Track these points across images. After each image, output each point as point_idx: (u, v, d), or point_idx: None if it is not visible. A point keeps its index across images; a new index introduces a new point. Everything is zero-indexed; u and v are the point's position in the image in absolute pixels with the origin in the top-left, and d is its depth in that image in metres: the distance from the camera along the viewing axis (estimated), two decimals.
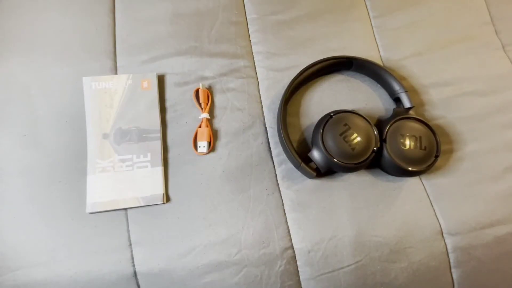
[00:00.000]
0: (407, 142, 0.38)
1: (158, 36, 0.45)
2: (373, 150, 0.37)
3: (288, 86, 0.41)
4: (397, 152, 0.37)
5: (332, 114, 0.38)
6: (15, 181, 0.39)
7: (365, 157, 0.37)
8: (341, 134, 0.37)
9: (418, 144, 0.38)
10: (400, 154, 0.37)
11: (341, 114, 0.38)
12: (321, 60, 0.42)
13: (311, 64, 0.42)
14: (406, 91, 0.41)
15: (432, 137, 0.39)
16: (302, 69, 0.42)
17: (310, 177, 0.38)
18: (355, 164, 0.37)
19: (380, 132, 0.38)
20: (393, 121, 0.39)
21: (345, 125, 0.37)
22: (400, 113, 0.40)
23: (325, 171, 0.38)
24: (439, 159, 0.38)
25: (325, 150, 0.36)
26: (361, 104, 0.44)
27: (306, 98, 0.44)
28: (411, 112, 0.40)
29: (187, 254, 0.37)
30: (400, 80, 0.42)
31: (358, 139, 0.37)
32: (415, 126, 0.39)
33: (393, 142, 0.38)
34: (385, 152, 0.38)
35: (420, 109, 0.44)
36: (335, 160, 0.36)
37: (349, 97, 0.44)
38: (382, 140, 0.38)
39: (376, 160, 0.39)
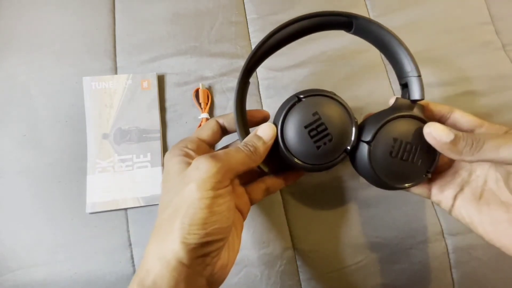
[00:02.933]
0: (398, 149, 0.28)
1: (158, 36, 0.45)
2: (345, 150, 0.29)
3: (252, 52, 0.30)
4: (380, 159, 0.28)
5: (301, 96, 0.29)
6: (14, 181, 0.39)
7: (331, 158, 0.28)
8: (306, 126, 0.28)
9: (411, 155, 0.28)
10: (383, 162, 0.28)
11: (313, 98, 0.29)
12: (304, 16, 0.30)
13: (289, 21, 0.30)
14: (418, 76, 0.29)
15: (433, 150, 0.28)
16: (276, 28, 0.30)
17: (264, 173, 0.31)
18: (314, 165, 0.28)
19: (366, 129, 0.29)
20: (387, 118, 0.28)
21: (315, 114, 0.28)
22: (401, 107, 0.29)
23: (285, 167, 0.31)
24: (429, 176, 0.29)
25: (283, 143, 0.28)
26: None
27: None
28: (416, 109, 0.29)
29: None
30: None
31: (327, 135, 0.28)
32: (416, 130, 0.28)
33: (380, 146, 0.28)
34: (364, 155, 0.28)
35: None
36: (292, 157, 0.28)
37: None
38: (361, 139, 0.29)
39: (353, 162, 0.30)
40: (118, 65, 0.44)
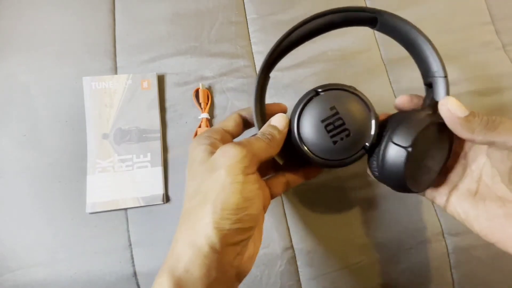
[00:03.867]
0: (431, 157, 0.27)
1: (158, 36, 0.45)
2: (363, 147, 0.27)
3: (274, 46, 0.30)
4: (413, 166, 0.26)
5: (319, 90, 0.28)
6: (14, 181, 0.39)
7: (348, 154, 0.27)
8: (323, 120, 0.27)
9: (435, 162, 0.27)
10: (415, 169, 0.26)
11: (331, 92, 0.28)
12: (327, 11, 0.29)
13: (311, 17, 0.29)
14: (445, 76, 0.28)
15: (447, 152, 0.27)
16: (298, 23, 0.29)
17: (282, 166, 0.31)
18: (330, 160, 0.27)
19: (400, 131, 0.26)
20: (427, 123, 0.25)
21: (332, 108, 0.27)
22: (429, 109, 0.28)
23: (302, 161, 0.29)
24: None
25: (299, 137, 0.28)
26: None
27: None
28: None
29: None
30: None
31: (345, 130, 0.27)
32: (443, 136, 0.27)
33: (417, 153, 0.25)
34: (398, 160, 0.25)
35: None
36: (308, 152, 0.27)
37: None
38: (394, 141, 0.26)
39: (373, 161, 0.28)
40: (118, 65, 0.44)
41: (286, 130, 0.28)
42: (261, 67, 0.30)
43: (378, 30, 0.31)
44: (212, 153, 0.26)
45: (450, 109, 0.25)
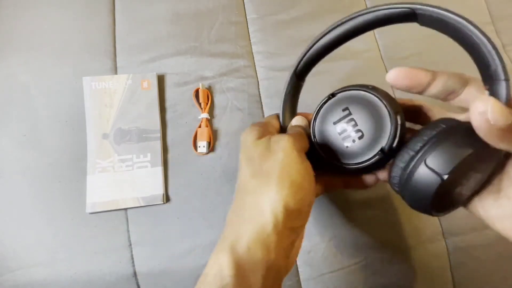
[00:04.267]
0: (466, 183, 0.22)
1: (158, 36, 0.45)
2: (381, 150, 0.24)
3: (306, 50, 0.28)
4: (443, 193, 0.21)
5: (335, 92, 0.27)
6: (14, 181, 0.39)
7: (363, 159, 0.25)
8: (335, 123, 0.26)
9: (467, 188, 0.23)
10: (444, 196, 0.22)
11: (347, 93, 0.26)
12: (362, 12, 0.26)
13: (346, 19, 0.27)
14: (507, 79, 0.20)
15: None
16: (329, 28, 0.27)
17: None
18: (345, 165, 0.25)
19: (436, 154, 0.21)
20: (472, 150, 0.20)
21: (345, 109, 0.25)
22: None
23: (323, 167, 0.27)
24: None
25: (315, 142, 0.27)
26: None
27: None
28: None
29: (187, 254, 0.37)
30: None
31: (358, 131, 0.25)
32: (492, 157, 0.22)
33: (452, 182, 0.21)
34: (427, 184, 0.21)
35: None
36: (322, 157, 0.27)
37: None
38: (427, 164, 0.21)
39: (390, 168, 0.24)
40: (118, 65, 0.44)
41: (306, 127, 0.29)
42: (291, 73, 0.30)
43: (425, 25, 0.25)
44: (266, 139, 0.26)
45: (492, 119, 0.18)
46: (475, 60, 0.24)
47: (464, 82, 0.22)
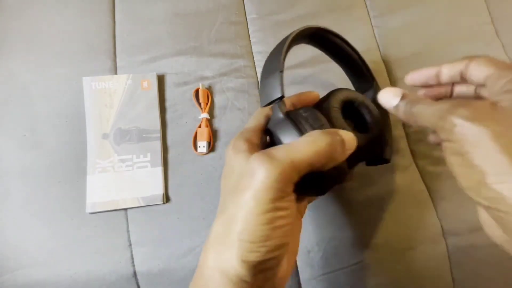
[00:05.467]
0: None
1: (158, 36, 0.45)
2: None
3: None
4: None
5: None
6: (14, 181, 0.39)
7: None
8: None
9: None
10: None
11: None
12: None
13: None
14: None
15: None
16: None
17: None
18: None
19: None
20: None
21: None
22: None
23: None
24: None
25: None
26: None
27: None
28: None
29: (187, 254, 0.37)
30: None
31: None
32: None
33: None
34: None
35: None
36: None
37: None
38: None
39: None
40: (118, 65, 0.44)
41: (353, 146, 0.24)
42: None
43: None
44: (242, 159, 0.22)
45: (381, 102, 0.26)
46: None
47: (467, 61, 0.25)
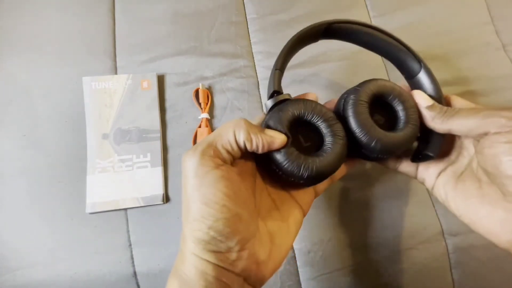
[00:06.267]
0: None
1: (158, 36, 0.45)
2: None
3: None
4: None
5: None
6: (14, 181, 0.39)
7: None
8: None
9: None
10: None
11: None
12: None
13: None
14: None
15: None
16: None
17: None
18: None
19: None
20: None
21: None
22: None
23: None
24: None
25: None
26: None
27: None
28: None
29: None
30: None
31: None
32: None
33: None
34: None
35: None
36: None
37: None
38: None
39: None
40: (118, 65, 0.44)
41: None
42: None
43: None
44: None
45: (417, 101, 0.28)
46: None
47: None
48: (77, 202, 0.38)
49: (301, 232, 0.38)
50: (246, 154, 0.25)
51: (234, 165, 0.24)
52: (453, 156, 0.30)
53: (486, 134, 0.24)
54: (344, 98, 0.28)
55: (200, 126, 0.41)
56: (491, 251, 0.38)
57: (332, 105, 0.30)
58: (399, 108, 0.28)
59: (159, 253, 0.37)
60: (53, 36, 0.44)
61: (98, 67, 0.43)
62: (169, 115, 0.42)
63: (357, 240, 0.38)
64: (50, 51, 0.44)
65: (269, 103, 0.27)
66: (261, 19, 0.47)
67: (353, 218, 0.39)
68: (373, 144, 0.26)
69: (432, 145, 0.28)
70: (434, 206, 0.40)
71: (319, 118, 0.26)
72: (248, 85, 0.44)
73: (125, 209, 0.39)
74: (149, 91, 0.42)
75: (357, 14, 0.48)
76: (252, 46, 0.46)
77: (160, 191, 0.39)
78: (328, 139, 0.26)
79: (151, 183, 0.39)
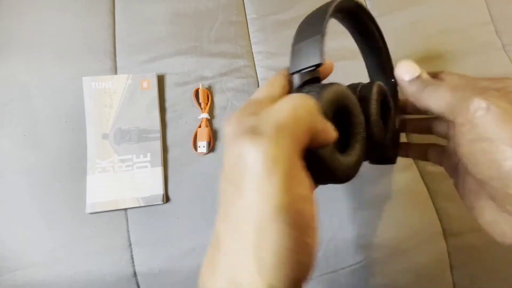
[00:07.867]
0: None
1: (158, 36, 0.45)
2: None
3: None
4: None
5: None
6: (14, 181, 0.39)
7: None
8: None
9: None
10: None
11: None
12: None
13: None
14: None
15: None
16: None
17: None
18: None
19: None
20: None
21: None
22: None
23: None
24: None
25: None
26: None
27: None
28: None
29: (187, 254, 0.37)
30: None
31: None
32: None
33: None
34: None
35: None
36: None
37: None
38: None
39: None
40: (118, 65, 0.44)
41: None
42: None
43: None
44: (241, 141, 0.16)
45: (398, 75, 0.25)
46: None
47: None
48: (77, 202, 0.38)
49: None
50: None
51: None
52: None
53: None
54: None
55: (200, 126, 0.41)
56: (491, 251, 0.38)
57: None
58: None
59: (159, 253, 0.37)
60: (53, 36, 0.44)
61: (98, 67, 0.43)
62: (169, 115, 0.42)
63: (357, 240, 0.38)
64: (50, 51, 0.44)
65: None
66: (261, 19, 0.47)
67: (353, 218, 0.39)
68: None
69: (396, 150, 0.28)
70: (434, 206, 0.40)
71: (357, 116, 0.24)
72: (248, 85, 0.44)
73: (125, 209, 0.39)
74: (149, 91, 0.42)
75: None
76: (252, 46, 0.46)
77: (160, 191, 0.39)
78: (354, 139, 0.24)
79: (151, 183, 0.39)
